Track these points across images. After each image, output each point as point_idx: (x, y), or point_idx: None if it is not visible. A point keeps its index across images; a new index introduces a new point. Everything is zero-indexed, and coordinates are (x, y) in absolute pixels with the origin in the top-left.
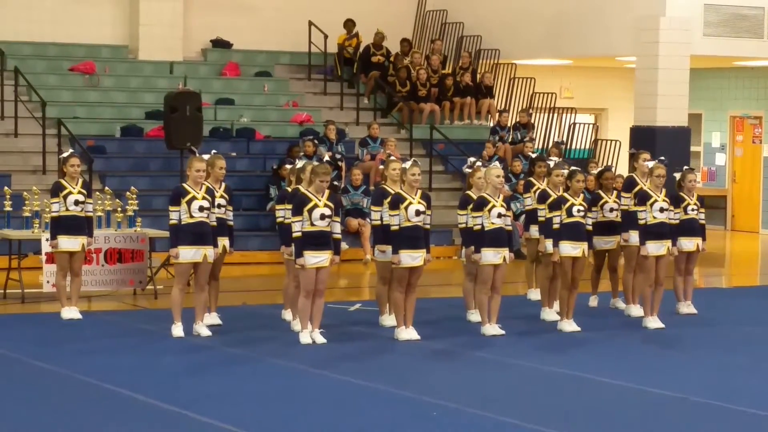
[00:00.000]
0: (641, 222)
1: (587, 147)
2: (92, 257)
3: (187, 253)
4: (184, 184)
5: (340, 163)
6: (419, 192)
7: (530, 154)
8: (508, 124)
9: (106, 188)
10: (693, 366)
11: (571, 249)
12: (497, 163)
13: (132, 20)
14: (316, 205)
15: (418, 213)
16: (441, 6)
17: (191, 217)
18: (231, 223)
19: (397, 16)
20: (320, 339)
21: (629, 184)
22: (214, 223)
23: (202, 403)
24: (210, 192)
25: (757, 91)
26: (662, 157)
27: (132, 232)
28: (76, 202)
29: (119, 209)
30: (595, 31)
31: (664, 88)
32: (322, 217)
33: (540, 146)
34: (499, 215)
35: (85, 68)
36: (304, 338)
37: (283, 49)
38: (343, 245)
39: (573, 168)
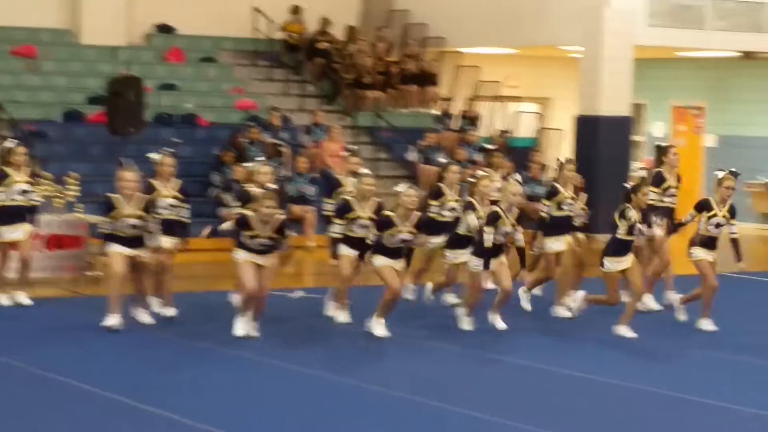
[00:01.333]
0: (700, 231)
1: (531, 136)
2: (32, 243)
3: (119, 253)
4: (112, 196)
5: (284, 149)
6: (412, 217)
7: (487, 146)
8: (453, 112)
9: (47, 173)
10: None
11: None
12: (518, 176)
13: (75, 4)
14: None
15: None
16: None
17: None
18: (186, 220)
19: (342, 3)
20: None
21: (659, 180)
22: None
23: (148, 393)
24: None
25: (699, 82)
26: (733, 169)
27: (72, 217)
28: (23, 192)
29: (59, 195)
30: (540, 20)
31: (608, 78)
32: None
33: (485, 135)
34: (505, 233)
35: (25, 52)
36: (239, 330)
37: (227, 34)
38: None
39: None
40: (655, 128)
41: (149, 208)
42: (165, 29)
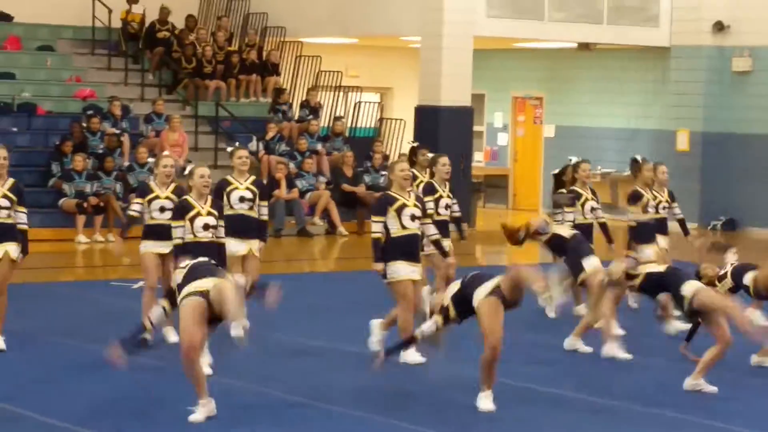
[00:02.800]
0: None
1: (372, 125)
2: None
3: None
4: None
5: (122, 139)
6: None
7: (413, 143)
8: (291, 101)
9: None
10: None
11: None
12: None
13: None
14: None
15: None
16: None
17: None
18: (23, 226)
19: None
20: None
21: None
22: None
23: None
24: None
25: (538, 73)
26: None
27: None
28: None
29: None
30: (381, 10)
31: (448, 68)
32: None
33: (325, 124)
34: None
35: None
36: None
37: (66, 23)
38: None
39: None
40: (495, 118)
41: None
42: (2, 17)
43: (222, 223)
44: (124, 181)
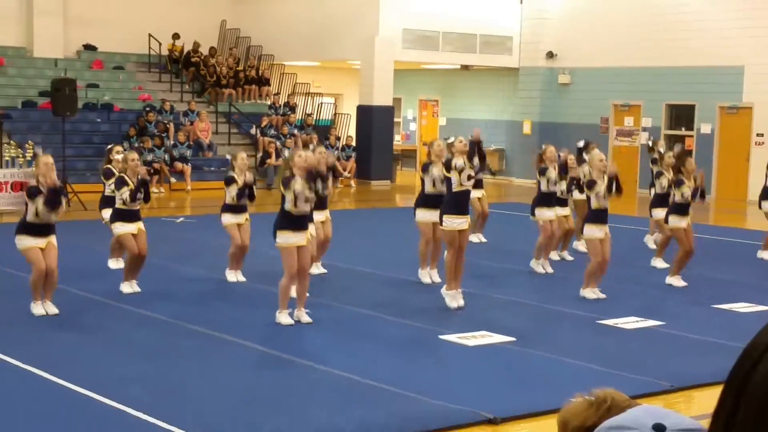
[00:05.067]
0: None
1: (329, 118)
2: (2, 187)
3: None
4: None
5: (168, 126)
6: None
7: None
8: (279, 103)
9: (12, 141)
10: None
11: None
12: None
13: (28, 29)
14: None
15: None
16: (236, 25)
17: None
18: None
19: (207, 31)
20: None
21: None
22: None
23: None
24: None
25: (436, 84)
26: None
27: (29, 170)
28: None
29: (21, 155)
30: (334, 43)
31: (378, 81)
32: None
33: (300, 117)
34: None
35: None
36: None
37: (132, 51)
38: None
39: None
40: (408, 113)
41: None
42: (90, 47)
43: None
44: (170, 153)
